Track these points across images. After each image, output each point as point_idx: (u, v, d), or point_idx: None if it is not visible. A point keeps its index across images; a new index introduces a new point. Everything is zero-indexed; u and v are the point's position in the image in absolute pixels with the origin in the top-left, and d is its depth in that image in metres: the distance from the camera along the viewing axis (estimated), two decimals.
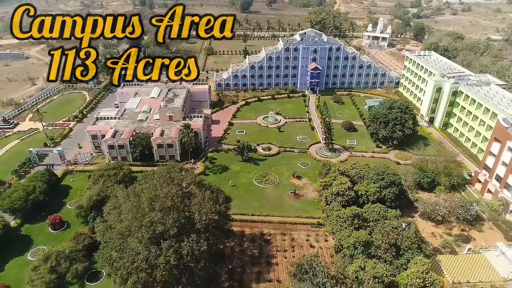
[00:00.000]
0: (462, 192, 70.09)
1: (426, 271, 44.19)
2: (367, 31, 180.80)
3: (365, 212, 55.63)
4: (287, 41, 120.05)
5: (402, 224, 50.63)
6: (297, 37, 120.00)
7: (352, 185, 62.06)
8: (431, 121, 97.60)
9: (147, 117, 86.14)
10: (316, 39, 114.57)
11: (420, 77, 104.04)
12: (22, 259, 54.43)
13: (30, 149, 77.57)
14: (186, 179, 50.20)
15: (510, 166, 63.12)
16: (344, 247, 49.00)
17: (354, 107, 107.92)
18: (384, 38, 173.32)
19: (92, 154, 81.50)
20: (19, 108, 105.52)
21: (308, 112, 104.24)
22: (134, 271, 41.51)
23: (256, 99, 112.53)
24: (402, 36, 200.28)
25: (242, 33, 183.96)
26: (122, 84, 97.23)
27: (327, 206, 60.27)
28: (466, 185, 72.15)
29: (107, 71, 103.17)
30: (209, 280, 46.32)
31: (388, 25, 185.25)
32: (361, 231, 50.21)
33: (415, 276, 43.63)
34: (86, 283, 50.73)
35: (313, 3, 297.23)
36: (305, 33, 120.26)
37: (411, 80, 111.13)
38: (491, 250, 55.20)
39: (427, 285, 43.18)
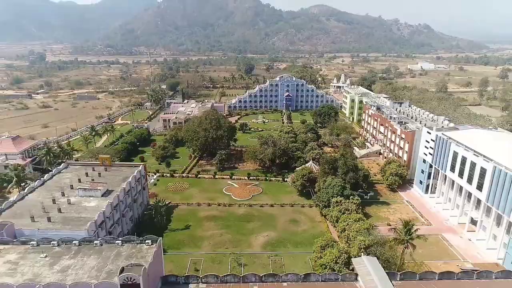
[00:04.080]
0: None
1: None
2: (332, 83, 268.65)
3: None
4: (271, 81, 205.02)
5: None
6: (277, 78, 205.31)
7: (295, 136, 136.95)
8: (352, 119, 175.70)
9: (191, 111, 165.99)
10: (288, 79, 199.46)
11: (346, 96, 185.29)
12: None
13: (134, 124, 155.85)
14: (215, 117, 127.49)
15: (371, 126, 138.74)
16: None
17: (309, 115, 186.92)
18: (340, 86, 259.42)
19: (162, 129, 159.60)
20: (111, 117, 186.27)
21: (282, 118, 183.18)
22: (197, 142, 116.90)
23: (252, 113, 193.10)
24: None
25: (245, 84, 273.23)
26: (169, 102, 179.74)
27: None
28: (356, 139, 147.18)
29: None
30: (227, 156, 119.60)
31: (347, 79, 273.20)
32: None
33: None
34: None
35: (306, 75, 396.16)
36: (282, 76, 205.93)
37: (344, 101, 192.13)
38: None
39: None
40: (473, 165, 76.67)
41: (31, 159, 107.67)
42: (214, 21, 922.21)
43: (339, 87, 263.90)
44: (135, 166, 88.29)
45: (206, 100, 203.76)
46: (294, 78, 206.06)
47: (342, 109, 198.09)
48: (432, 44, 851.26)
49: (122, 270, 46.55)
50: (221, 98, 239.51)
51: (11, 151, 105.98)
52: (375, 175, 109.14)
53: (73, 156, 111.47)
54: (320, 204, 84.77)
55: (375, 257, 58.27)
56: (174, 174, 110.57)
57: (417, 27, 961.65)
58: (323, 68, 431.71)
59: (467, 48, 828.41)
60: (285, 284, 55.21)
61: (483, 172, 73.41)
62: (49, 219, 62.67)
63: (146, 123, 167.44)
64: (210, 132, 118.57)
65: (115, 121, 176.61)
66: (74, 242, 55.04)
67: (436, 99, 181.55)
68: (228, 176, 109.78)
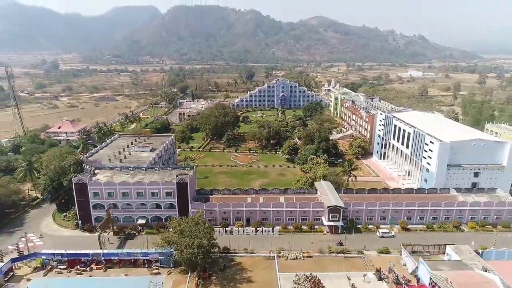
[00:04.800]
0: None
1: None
2: (324, 87, 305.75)
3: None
4: (269, 83, 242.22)
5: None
6: (274, 81, 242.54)
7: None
8: (336, 114, 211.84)
9: (202, 107, 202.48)
10: (284, 81, 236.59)
11: (330, 96, 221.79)
12: None
13: (154, 117, 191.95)
14: (223, 107, 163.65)
15: (347, 116, 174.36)
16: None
17: (301, 112, 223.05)
18: (330, 90, 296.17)
19: (178, 121, 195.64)
20: (133, 112, 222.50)
21: (278, 114, 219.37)
22: (209, 126, 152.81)
23: (252, 110, 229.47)
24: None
25: (246, 88, 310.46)
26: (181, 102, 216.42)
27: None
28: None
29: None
30: (233, 137, 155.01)
31: (337, 83, 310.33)
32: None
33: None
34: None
35: (301, 80, 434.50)
36: (278, 79, 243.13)
37: (331, 100, 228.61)
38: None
39: None
40: (404, 132, 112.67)
41: (85, 136, 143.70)
42: (216, 32, 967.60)
43: (329, 90, 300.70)
44: (167, 136, 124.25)
45: (213, 99, 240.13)
46: (288, 81, 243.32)
47: (329, 107, 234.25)
48: (426, 54, 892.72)
49: (177, 175, 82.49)
50: (225, 99, 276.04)
51: (70, 130, 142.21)
52: (346, 150, 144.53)
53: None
54: (300, 162, 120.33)
55: (329, 181, 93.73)
56: (192, 149, 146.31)
57: (412, 37, 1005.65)
58: (318, 76, 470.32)
59: (461, 58, 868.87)
60: (271, 194, 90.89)
61: (408, 135, 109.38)
62: (120, 160, 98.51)
63: (164, 116, 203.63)
64: (219, 118, 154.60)
65: (138, 116, 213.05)
66: (142, 168, 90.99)
67: (406, 97, 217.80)
68: (234, 150, 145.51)
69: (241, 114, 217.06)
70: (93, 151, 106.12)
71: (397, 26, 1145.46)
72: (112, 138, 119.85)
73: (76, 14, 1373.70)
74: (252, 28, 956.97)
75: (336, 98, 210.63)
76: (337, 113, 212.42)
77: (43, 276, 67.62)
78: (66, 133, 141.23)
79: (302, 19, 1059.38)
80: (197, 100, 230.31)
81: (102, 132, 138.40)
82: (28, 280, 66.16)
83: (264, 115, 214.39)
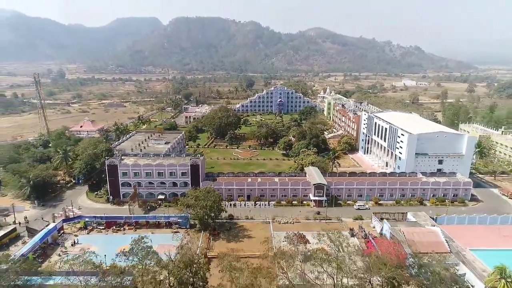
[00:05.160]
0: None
1: None
2: (319, 94, 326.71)
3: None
4: (268, 90, 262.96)
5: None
6: (272, 88, 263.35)
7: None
8: (329, 117, 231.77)
9: (205, 111, 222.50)
10: (281, 88, 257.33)
11: (325, 102, 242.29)
12: None
13: (163, 120, 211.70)
14: (226, 109, 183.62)
15: (337, 118, 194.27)
16: None
17: (297, 116, 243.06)
18: (325, 97, 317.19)
19: (184, 124, 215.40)
20: (143, 116, 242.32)
21: (276, 117, 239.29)
22: (213, 126, 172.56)
23: (252, 114, 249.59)
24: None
25: (246, 95, 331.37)
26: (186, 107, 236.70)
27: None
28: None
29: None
30: (235, 136, 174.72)
31: (332, 91, 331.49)
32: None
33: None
34: None
35: (298, 88, 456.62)
36: (276, 86, 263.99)
37: (324, 105, 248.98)
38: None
39: None
40: (382, 128, 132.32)
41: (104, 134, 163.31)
42: (217, 43, 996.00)
43: (324, 97, 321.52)
44: (178, 133, 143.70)
45: (215, 105, 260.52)
46: (286, 88, 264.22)
47: (323, 112, 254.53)
48: (422, 65, 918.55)
49: (190, 159, 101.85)
50: (227, 105, 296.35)
51: (91, 129, 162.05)
52: (335, 147, 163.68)
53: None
54: (293, 155, 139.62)
55: (316, 167, 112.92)
56: (199, 146, 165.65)
57: (408, 48, 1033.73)
58: (316, 85, 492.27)
59: (456, 68, 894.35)
60: (267, 176, 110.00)
61: (385, 130, 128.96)
62: (140, 150, 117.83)
63: (172, 119, 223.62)
64: (223, 119, 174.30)
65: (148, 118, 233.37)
66: (160, 154, 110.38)
67: (394, 103, 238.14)
68: (236, 147, 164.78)
69: (242, 117, 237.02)
70: (116, 143, 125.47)
71: (394, 37, 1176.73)
72: (130, 134, 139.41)
73: (79, 25, 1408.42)
74: (252, 39, 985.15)
75: (329, 103, 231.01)
76: (330, 117, 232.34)
77: (87, 234, 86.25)
78: (87, 131, 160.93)
79: (301, 30, 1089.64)
80: (201, 106, 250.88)
81: (120, 130, 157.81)
82: (76, 236, 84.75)
83: (263, 119, 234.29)
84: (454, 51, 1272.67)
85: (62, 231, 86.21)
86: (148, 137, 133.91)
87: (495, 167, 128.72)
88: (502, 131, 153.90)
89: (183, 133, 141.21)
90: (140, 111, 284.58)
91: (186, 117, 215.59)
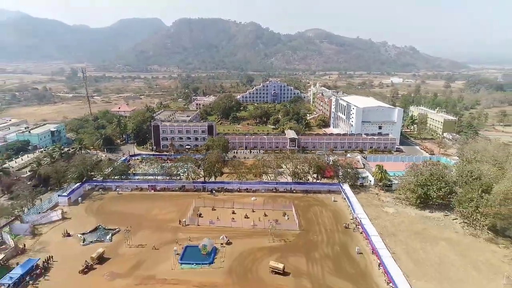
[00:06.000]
0: None
1: None
2: (310, 89, 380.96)
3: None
4: (264, 84, 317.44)
5: None
6: (267, 82, 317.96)
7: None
8: (314, 106, 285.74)
9: (213, 100, 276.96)
10: (275, 82, 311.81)
11: (309, 91, 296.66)
12: None
13: (177, 106, 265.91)
14: (229, 96, 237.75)
15: (317, 103, 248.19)
16: None
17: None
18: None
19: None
20: (162, 103, 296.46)
21: (271, 106, 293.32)
22: (219, 109, 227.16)
23: (251, 104, 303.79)
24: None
25: (246, 90, 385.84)
26: (195, 98, 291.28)
27: None
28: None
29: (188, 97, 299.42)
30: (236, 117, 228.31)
31: (321, 86, 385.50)
32: None
33: None
34: None
35: (291, 83, 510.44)
36: (271, 80, 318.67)
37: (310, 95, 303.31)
38: None
39: None
40: (343, 106, 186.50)
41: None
42: (218, 43, 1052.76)
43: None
44: (195, 110, 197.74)
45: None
46: (279, 82, 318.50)
47: (310, 101, 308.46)
48: (416, 64, 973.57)
49: (207, 122, 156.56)
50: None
51: (127, 109, 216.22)
52: (313, 123, 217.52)
53: None
54: (279, 127, 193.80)
55: (293, 130, 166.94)
56: None
57: (403, 48, 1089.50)
58: (310, 82, 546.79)
59: (448, 68, 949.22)
60: (259, 135, 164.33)
61: (344, 107, 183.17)
62: (171, 119, 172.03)
63: (185, 106, 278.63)
64: (227, 103, 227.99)
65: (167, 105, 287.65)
66: (185, 120, 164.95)
67: (373, 95, 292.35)
68: (237, 124, 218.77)
69: (242, 105, 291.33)
70: (153, 114, 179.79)
71: (390, 38, 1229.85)
72: (161, 110, 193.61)
73: (83, 26, 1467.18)
74: (252, 39, 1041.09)
75: (314, 94, 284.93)
76: (314, 105, 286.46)
77: (144, 164, 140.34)
78: (124, 111, 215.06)
79: (299, 31, 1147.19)
80: (208, 96, 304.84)
81: (149, 110, 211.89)
82: (140, 161, 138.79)
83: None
84: (449, 52, 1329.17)
85: (129, 162, 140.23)
86: (174, 112, 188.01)
87: (423, 134, 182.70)
88: (437, 111, 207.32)
89: (198, 111, 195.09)
90: (155, 101, 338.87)
91: (197, 104, 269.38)
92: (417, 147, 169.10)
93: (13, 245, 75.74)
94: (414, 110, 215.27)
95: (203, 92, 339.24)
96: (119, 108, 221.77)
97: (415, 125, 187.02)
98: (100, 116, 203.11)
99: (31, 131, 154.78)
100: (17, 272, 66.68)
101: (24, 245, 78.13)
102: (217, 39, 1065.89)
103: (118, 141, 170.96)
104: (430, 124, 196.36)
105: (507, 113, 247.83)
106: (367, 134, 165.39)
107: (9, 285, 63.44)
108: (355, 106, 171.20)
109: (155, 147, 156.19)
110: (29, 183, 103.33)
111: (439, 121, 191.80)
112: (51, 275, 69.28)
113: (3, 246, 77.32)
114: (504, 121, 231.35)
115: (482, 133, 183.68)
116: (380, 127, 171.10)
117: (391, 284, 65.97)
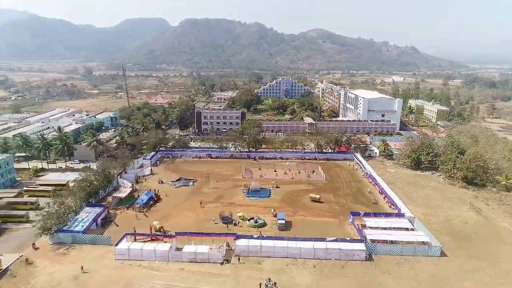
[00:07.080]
0: None
1: None
2: (317, 86, 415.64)
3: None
4: (276, 81, 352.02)
5: None
6: (280, 79, 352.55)
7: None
8: (323, 100, 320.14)
9: (231, 95, 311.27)
10: (287, 79, 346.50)
11: (318, 88, 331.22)
12: None
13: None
14: (250, 89, 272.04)
15: (327, 98, 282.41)
16: None
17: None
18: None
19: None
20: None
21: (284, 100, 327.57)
22: (242, 102, 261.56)
23: (265, 99, 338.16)
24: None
25: (258, 87, 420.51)
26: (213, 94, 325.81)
27: None
28: None
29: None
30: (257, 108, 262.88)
31: (328, 83, 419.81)
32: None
33: None
34: None
35: (300, 81, 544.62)
36: (283, 77, 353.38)
37: (319, 91, 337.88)
38: None
39: None
40: (351, 97, 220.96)
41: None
42: (224, 43, 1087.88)
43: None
44: (224, 102, 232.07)
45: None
46: (290, 79, 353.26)
47: (319, 98, 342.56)
48: (416, 64, 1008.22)
49: (240, 110, 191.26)
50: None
51: (162, 101, 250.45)
52: (325, 113, 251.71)
53: None
54: (298, 115, 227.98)
55: (310, 117, 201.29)
56: None
57: (404, 48, 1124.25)
58: (316, 80, 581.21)
59: (448, 67, 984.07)
60: (282, 121, 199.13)
61: (353, 99, 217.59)
62: (207, 108, 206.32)
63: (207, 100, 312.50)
64: (248, 96, 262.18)
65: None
66: (221, 109, 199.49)
67: (372, 89, 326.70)
68: (258, 114, 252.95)
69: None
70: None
71: (391, 38, 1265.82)
72: (196, 101, 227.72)
73: (89, 26, 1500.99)
74: (257, 39, 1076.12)
75: (322, 89, 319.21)
76: (323, 99, 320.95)
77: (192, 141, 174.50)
78: (160, 103, 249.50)
79: (302, 31, 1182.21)
80: (226, 92, 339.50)
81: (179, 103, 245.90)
82: (191, 139, 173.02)
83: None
84: (449, 51, 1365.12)
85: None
86: (207, 103, 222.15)
87: (420, 122, 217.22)
88: (432, 102, 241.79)
89: (227, 102, 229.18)
90: (176, 96, 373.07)
91: (219, 98, 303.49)
92: (414, 132, 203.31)
93: (130, 186, 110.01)
94: (412, 103, 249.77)
95: (220, 88, 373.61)
96: (156, 100, 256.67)
97: (413, 115, 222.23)
98: (141, 107, 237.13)
99: (96, 116, 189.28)
100: (142, 198, 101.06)
101: (135, 187, 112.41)
102: (223, 39, 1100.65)
103: (163, 126, 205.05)
104: (425, 114, 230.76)
105: (497, 107, 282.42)
106: (372, 120, 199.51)
107: (140, 205, 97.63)
108: (362, 97, 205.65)
109: (197, 130, 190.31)
110: (115, 151, 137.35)
111: (433, 111, 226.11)
112: (162, 202, 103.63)
113: (120, 188, 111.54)
114: (493, 114, 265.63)
115: (473, 123, 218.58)
116: (383, 115, 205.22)
117: (392, 207, 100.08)
